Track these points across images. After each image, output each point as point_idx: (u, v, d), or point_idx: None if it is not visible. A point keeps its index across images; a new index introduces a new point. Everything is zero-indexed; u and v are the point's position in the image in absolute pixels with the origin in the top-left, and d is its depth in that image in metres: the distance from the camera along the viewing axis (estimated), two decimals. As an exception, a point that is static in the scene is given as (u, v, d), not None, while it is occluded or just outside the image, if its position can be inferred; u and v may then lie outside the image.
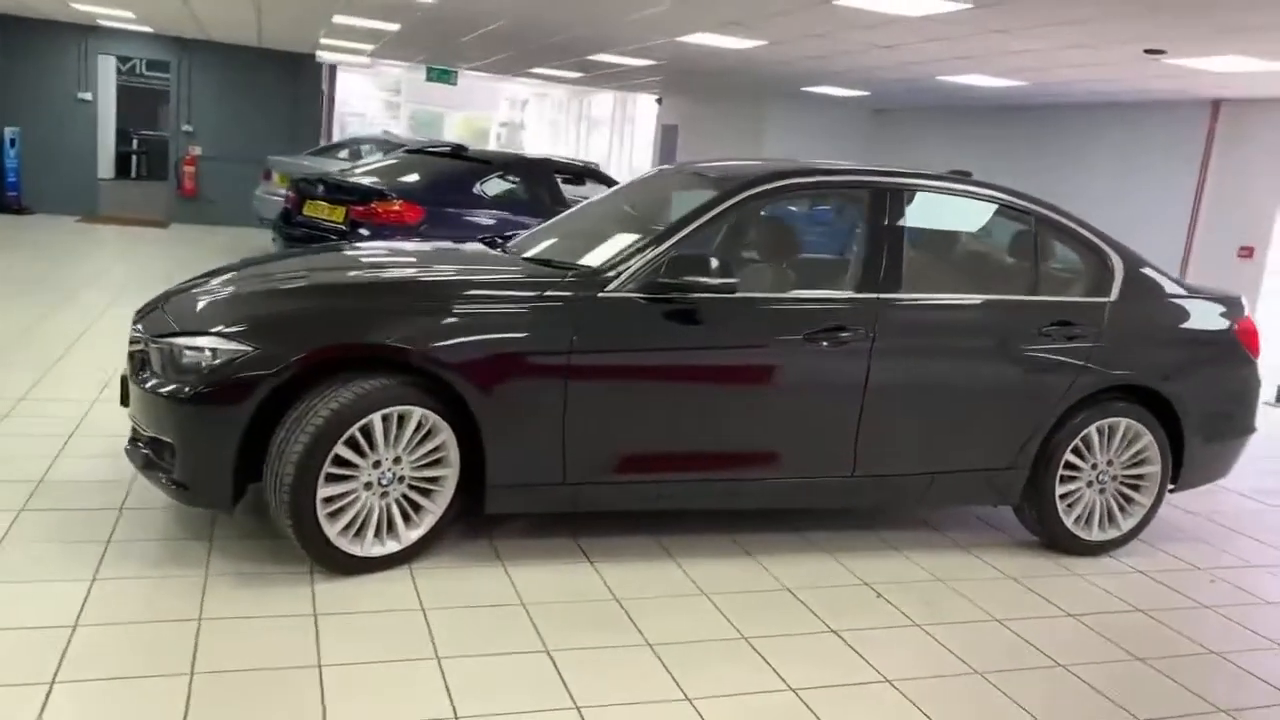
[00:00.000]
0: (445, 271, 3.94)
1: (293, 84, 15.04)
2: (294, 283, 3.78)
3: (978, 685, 3.15)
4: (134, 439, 3.65)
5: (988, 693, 3.11)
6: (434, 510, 3.55)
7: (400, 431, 3.39)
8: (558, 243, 4.36)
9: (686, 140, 16.06)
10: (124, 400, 3.70)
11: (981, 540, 4.47)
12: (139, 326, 3.66)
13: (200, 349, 3.32)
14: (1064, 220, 4.37)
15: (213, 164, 14.67)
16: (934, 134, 13.62)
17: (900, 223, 4.03)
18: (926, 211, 4.19)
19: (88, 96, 14.04)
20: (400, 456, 3.42)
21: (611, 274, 3.65)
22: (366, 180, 8.45)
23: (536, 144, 32.47)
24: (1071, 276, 4.41)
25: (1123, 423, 4.27)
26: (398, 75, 31.63)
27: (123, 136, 19.15)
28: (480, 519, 3.74)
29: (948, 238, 4.55)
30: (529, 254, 4.17)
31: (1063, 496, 4.25)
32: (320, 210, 8.33)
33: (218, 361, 3.26)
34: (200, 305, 3.65)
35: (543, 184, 9.07)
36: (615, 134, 26.75)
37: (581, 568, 3.72)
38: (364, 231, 8.00)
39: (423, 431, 3.44)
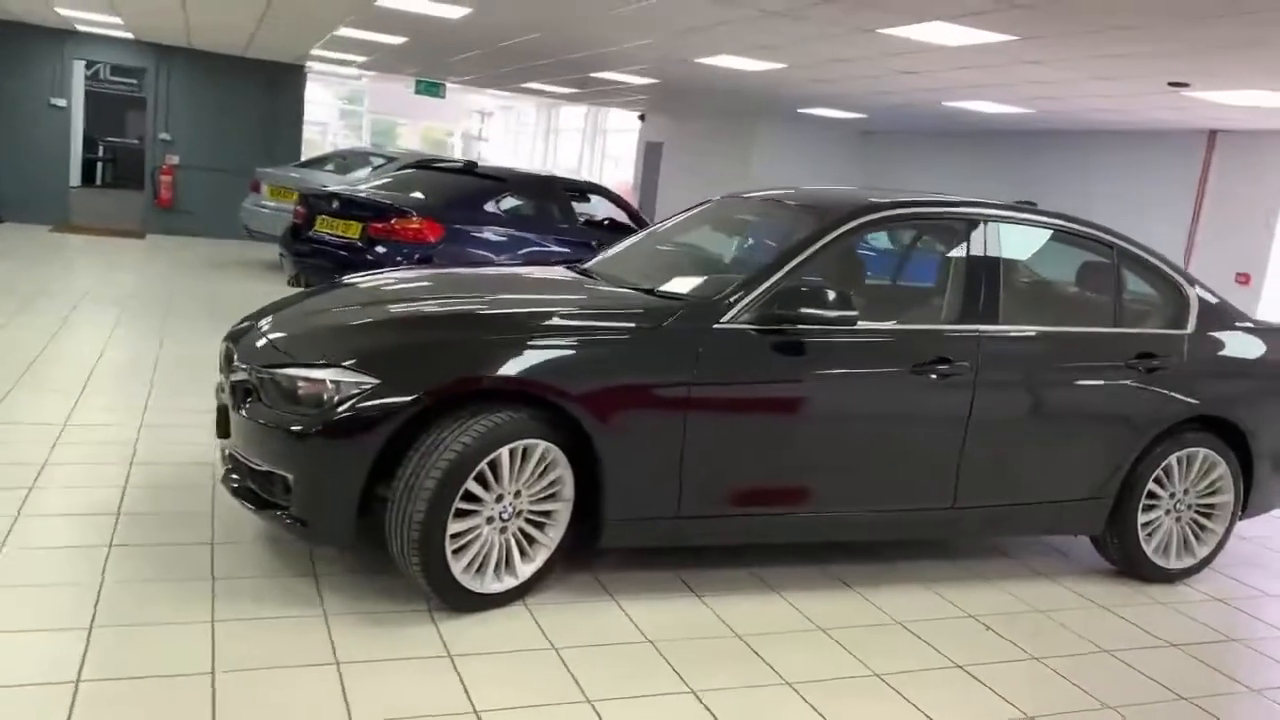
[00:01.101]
0: (560, 302, 3.85)
1: (272, 94, 14.75)
2: (409, 312, 3.66)
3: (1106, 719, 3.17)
4: (233, 471, 3.52)
5: (1127, 728, 3.13)
6: (548, 544, 3.48)
7: (523, 465, 3.32)
8: (648, 270, 4.31)
9: (671, 158, 16.09)
10: (223, 432, 3.57)
11: (1059, 568, 4.50)
12: (240, 356, 3.53)
13: (320, 381, 3.22)
14: (1141, 252, 4.44)
15: (190, 174, 14.32)
16: (922, 157, 13.82)
17: (996, 254, 4.06)
18: (1017, 243, 4.23)
19: (62, 103, 13.62)
20: (520, 490, 3.35)
21: (726, 305, 3.61)
22: (382, 196, 8.30)
23: (501, 157, 32.28)
24: (1150, 309, 4.48)
25: (1200, 452, 4.34)
26: (359, 85, 31.28)
27: (88, 143, 18.64)
28: (574, 553, 3.67)
29: (1037, 269, 4.60)
30: (626, 282, 4.10)
31: (1144, 525, 4.31)
32: (334, 226, 8.16)
33: (343, 395, 3.16)
34: (315, 334, 3.54)
35: (554, 201, 9.00)
36: (587, 147, 26.71)
37: (692, 602, 3.67)
38: (380, 249, 7.87)
39: (543, 465, 3.37)
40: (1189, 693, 3.42)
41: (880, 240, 4.48)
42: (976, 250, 4.05)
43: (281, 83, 14.80)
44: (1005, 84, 7.84)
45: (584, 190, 9.75)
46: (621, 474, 3.43)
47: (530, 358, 3.29)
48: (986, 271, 4.04)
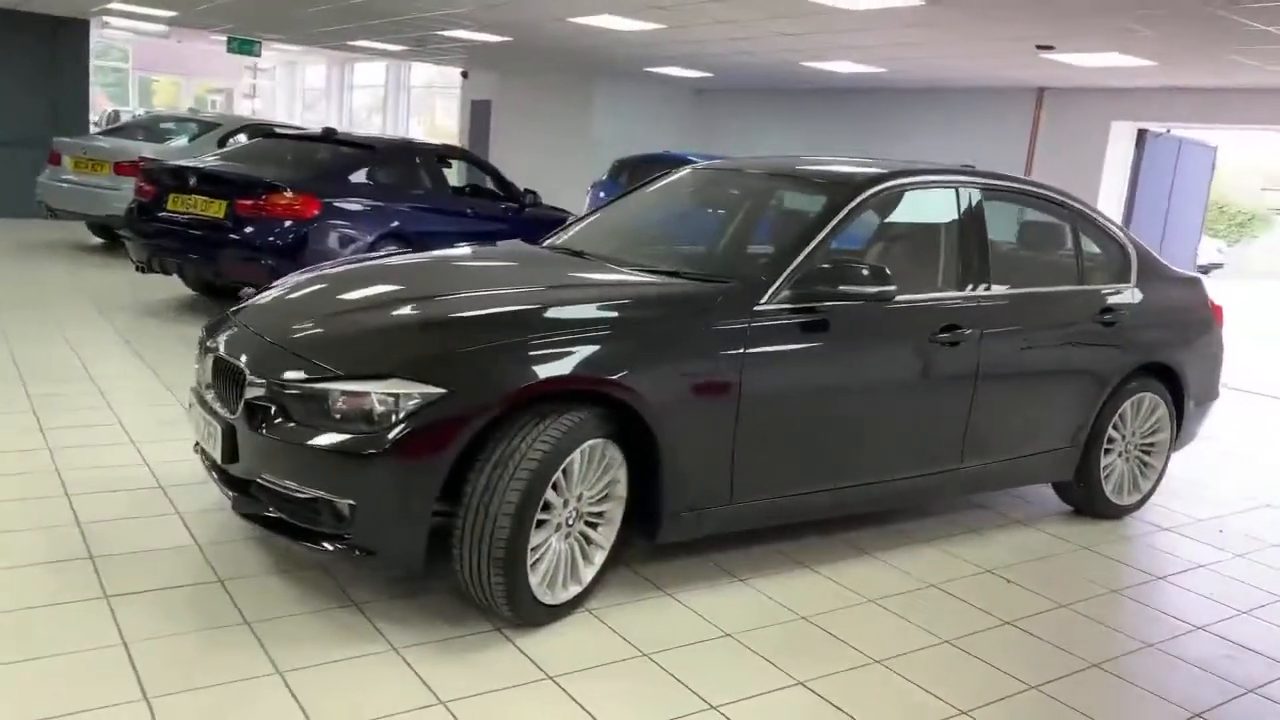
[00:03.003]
0: (605, 292, 3.59)
1: (52, 54, 13.11)
2: (449, 311, 3.32)
3: (1158, 659, 3.40)
4: (253, 500, 3.13)
5: (1169, 664, 3.37)
6: (604, 545, 3.33)
7: (589, 466, 3.15)
8: (648, 249, 4.17)
9: (504, 116, 15.63)
10: (230, 457, 3.15)
11: (1027, 514, 4.77)
12: (252, 368, 3.11)
13: (376, 394, 2.89)
14: (1091, 211, 4.73)
15: (-48, 147, 12.55)
16: (754, 113, 14.09)
17: (982, 219, 4.20)
18: (995, 207, 4.38)
19: None
20: (581, 493, 3.18)
21: (764, 285, 3.54)
22: (247, 169, 7.59)
23: (280, 114, 30.35)
24: (1101, 265, 4.77)
25: (1147, 396, 4.71)
26: (113, 37, 28.42)
27: None
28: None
29: (1014, 232, 4.78)
30: (632, 263, 3.90)
31: (1104, 468, 4.64)
32: (192, 204, 7.41)
33: (408, 407, 2.86)
34: (346, 340, 3.17)
35: (424, 169, 8.59)
36: (390, 102, 25.52)
37: (739, 587, 3.62)
38: (249, 228, 7.22)
39: (603, 464, 3.20)
40: (1200, 620, 3.73)
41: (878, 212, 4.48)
42: (965, 216, 4.17)
43: (62, 40, 13.17)
44: (878, 45, 8.08)
45: (445, 155, 9.35)
46: (680, 466, 3.31)
47: (601, 355, 3.11)
48: (977, 237, 4.17)
